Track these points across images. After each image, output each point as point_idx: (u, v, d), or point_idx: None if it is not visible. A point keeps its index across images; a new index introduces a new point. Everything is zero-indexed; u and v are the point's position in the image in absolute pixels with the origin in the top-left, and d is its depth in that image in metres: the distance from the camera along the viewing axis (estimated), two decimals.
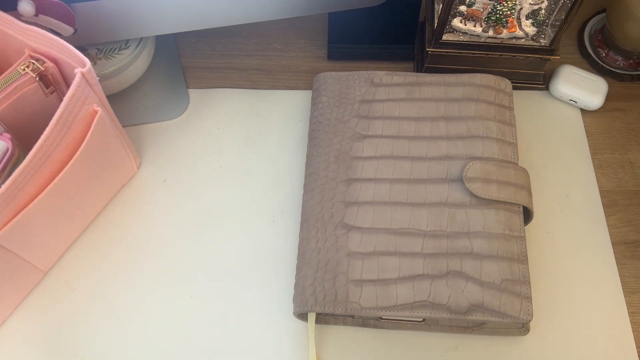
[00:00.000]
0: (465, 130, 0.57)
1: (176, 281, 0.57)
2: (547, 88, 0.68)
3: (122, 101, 0.66)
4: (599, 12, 0.73)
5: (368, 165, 0.55)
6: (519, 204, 0.53)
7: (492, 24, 0.62)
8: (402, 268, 0.50)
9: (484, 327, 0.53)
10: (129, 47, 0.62)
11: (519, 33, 0.62)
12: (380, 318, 0.53)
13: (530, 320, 0.49)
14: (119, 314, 0.56)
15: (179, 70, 0.69)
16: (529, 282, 0.50)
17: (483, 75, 0.60)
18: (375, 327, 0.54)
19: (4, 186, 0.45)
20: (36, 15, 0.52)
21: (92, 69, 0.48)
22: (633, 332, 0.55)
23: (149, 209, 0.61)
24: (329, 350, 0.54)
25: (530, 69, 0.66)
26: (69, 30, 0.55)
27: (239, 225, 0.60)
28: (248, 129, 0.66)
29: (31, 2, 0.51)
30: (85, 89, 0.48)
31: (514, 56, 0.64)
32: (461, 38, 0.63)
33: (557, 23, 0.61)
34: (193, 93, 0.68)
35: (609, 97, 0.66)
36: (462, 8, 0.61)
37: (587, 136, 0.65)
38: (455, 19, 0.62)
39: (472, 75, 0.60)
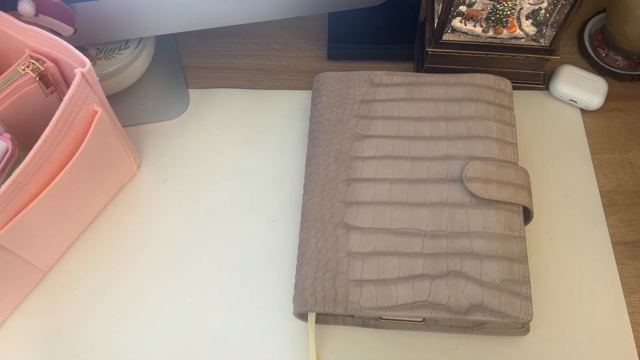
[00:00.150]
0: (465, 130, 0.57)
1: (176, 281, 0.57)
2: (547, 88, 0.68)
3: (122, 101, 0.66)
4: (599, 12, 0.73)
5: (368, 165, 0.55)
6: (519, 204, 0.53)
7: (492, 24, 0.62)
8: (402, 268, 0.50)
9: (484, 327, 0.53)
10: (129, 47, 0.62)
11: (519, 33, 0.62)
12: (380, 318, 0.53)
13: (530, 320, 0.49)
14: (119, 314, 0.56)
15: (179, 70, 0.69)
16: (529, 282, 0.50)
17: (483, 75, 0.60)
18: (375, 327, 0.54)
19: (4, 186, 0.45)
20: (36, 15, 0.52)
21: (92, 69, 0.48)
22: (633, 332, 0.55)
23: (149, 209, 0.61)
24: (329, 350, 0.54)
25: (530, 69, 0.66)
26: (69, 30, 0.55)
27: (239, 225, 0.60)
28: (248, 129, 0.66)
29: (31, 2, 0.51)
30: (85, 89, 0.48)
31: (514, 56, 0.64)
32: (461, 38, 0.63)
33: (557, 23, 0.61)
34: (193, 93, 0.68)
35: (609, 97, 0.67)
36: (462, 8, 0.61)
37: (587, 136, 0.65)
38: (455, 19, 0.62)
39: (472, 75, 0.60)
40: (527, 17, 0.62)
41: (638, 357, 0.54)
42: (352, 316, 0.54)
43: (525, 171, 0.55)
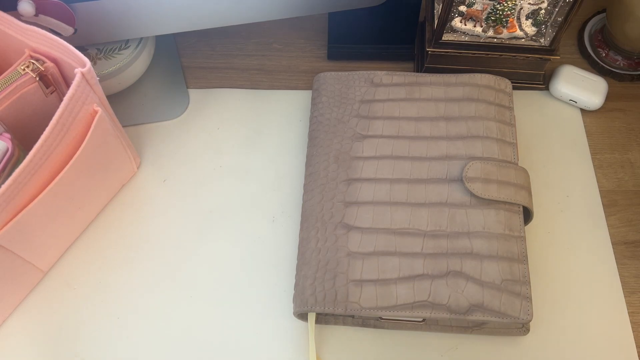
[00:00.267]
0: (465, 130, 0.57)
1: (176, 281, 0.57)
2: (547, 88, 0.68)
3: (122, 101, 0.66)
4: (599, 12, 0.73)
5: (368, 165, 0.55)
6: (519, 204, 0.53)
7: (492, 24, 0.62)
8: (402, 268, 0.50)
9: (484, 327, 0.53)
10: (129, 47, 0.62)
11: (519, 33, 0.62)
12: (380, 318, 0.53)
13: (530, 320, 0.49)
14: (119, 314, 0.56)
15: (179, 70, 0.69)
16: (529, 282, 0.50)
17: (483, 75, 0.60)
18: (375, 327, 0.54)
19: (4, 186, 0.45)
20: (36, 15, 0.52)
21: (92, 69, 0.48)
22: (633, 332, 0.55)
23: (149, 209, 0.61)
24: (329, 350, 0.54)
25: (530, 69, 0.66)
26: (69, 30, 0.55)
27: (239, 225, 0.60)
28: (248, 129, 0.66)
29: (31, 2, 0.51)
30: (85, 89, 0.48)
31: (514, 56, 0.64)
32: (461, 38, 0.63)
33: (557, 23, 0.61)
34: (193, 93, 0.68)
35: (609, 97, 0.67)
36: (462, 8, 0.61)
37: (587, 136, 0.65)
38: (455, 19, 0.62)
39: (472, 75, 0.60)
40: (527, 17, 0.62)
41: (638, 357, 0.54)
42: (352, 316, 0.54)
43: (525, 171, 0.55)
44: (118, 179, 0.61)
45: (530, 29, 0.62)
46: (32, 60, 0.49)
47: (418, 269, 0.50)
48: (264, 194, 0.62)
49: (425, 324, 0.53)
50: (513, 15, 0.61)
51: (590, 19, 0.73)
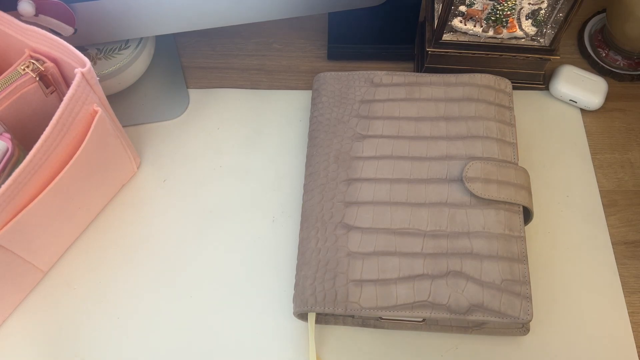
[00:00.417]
0: (465, 130, 0.57)
1: (176, 281, 0.57)
2: (547, 88, 0.68)
3: (122, 101, 0.66)
4: (599, 12, 0.73)
5: (368, 165, 0.55)
6: (519, 204, 0.53)
7: (492, 24, 0.62)
8: (402, 268, 0.50)
9: (484, 327, 0.53)
10: (129, 47, 0.62)
11: (519, 33, 0.62)
12: (380, 318, 0.53)
13: (530, 320, 0.49)
14: (119, 314, 0.56)
15: (179, 70, 0.69)
16: (529, 282, 0.50)
17: (483, 75, 0.60)
18: (375, 327, 0.54)
19: (4, 186, 0.45)
20: (36, 15, 0.52)
21: (92, 69, 0.48)
22: (633, 332, 0.55)
23: (149, 209, 0.61)
24: (329, 350, 0.54)
25: (530, 69, 0.66)
26: (69, 30, 0.55)
27: (239, 225, 0.60)
28: (248, 129, 0.66)
29: (31, 2, 0.51)
30: (85, 89, 0.48)
31: (514, 56, 0.64)
32: (461, 38, 0.63)
33: (557, 23, 0.61)
34: (193, 93, 0.68)
35: (609, 97, 0.67)
36: (462, 8, 0.61)
37: (587, 136, 0.65)
38: (455, 19, 0.62)
39: (472, 75, 0.60)
40: (527, 17, 0.62)
41: (638, 357, 0.54)
42: (352, 316, 0.54)
43: (525, 171, 0.55)
44: (118, 179, 0.61)
45: (530, 29, 0.62)
46: (32, 60, 0.49)
47: (418, 269, 0.50)
48: (264, 194, 0.62)
49: (425, 324, 0.53)
50: (513, 15, 0.61)
51: (590, 19, 0.73)
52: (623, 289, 0.57)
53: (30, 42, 0.50)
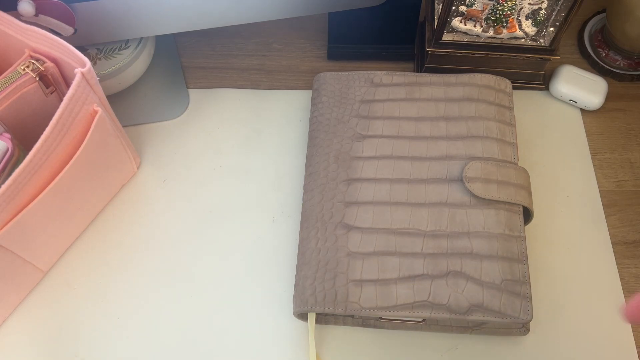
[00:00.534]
0: (465, 130, 0.57)
1: (176, 281, 0.57)
2: (547, 88, 0.68)
3: (122, 101, 0.66)
4: (599, 12, 0.73)
5: (368, 165, 0.55)
6: (519, 204, 0.53)
7: (492, 24, 0.62)
8: (402, 268, 0.50)
9: (484, 327, 0.53)
10: (129, 47, 0.62)
11: (519, 33, 0.62)
12: (380, 318, 0.53)
13: (530, 320, 0.49)
14: (119, 314, 0.56)
15: (179, 70, 0.69)
16: (529, 282, 0.50)
17: (483, 75, 0.60)
18: (375, 327, 0.54)
19: (4, 186, 0.45)
20: (36, 15, 0.52)
21: (92, 69, 0.48)
22: (633, 332, 0.55)
23: (149, 209, 0.61)
24: (329, 350, 0.54)
25: (530, 69, 0.66)
26: (69, 30, 0.55)
27: (239, 225, 0.60)
28: (248, 129, 0.66)
29: (31, 2, 0.51)
30: (85, 89, 0.48)
31: (514, 56, 0.64)
32: (461, 38, 0.63)
33: (557, 23, 0.61)
34: (193, 93, 0.68)
35: (609, 97, 0.66)
36: (462, 8, 0.61)
37: (587, 136, 0.65)
38: (455, 19, 0.62)
39: (472, 75, 0.60)
40: (527, 17, 0.62)
41: (638, 357, 0.54)
42: (352, 316, 0.54)
43: (525, 171, 0.55)
44: (118, 179, 0.61)
45: (530, 29, 0.62)
46: (32, 60, 0.49)
47: (418, 269, 0.50)
48: (264, 194, 0.62)
49: (425, 324, 0.53)
50: (513, 15, 0.61)
51: (590, 19, 0.73)
52: (623, 289, 0.57)
53: (30, 42, 0.50)
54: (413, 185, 0.54)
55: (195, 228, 0.60)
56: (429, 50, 0.64)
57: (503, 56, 0.64)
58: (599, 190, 0.62)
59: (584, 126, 0.66)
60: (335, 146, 0.57)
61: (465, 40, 0.63)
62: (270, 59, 0.71)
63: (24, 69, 0.49)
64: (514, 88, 0.67)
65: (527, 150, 0.64)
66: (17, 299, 0.55)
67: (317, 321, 0.54)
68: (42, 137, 0.46)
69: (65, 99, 0.47)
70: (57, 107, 0.47)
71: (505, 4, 0.60)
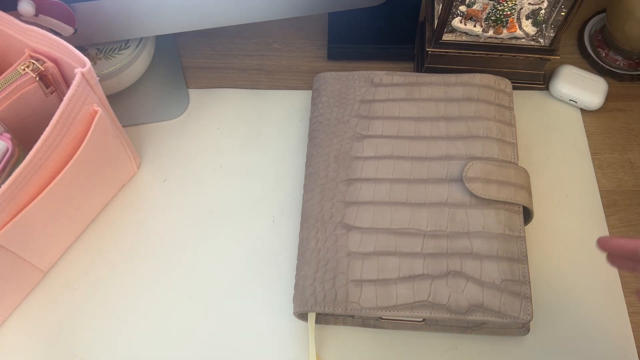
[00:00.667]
0: (465, 130, 0.57)
1: (176, 281, 0.57)
2: (547, 88, 0.68)
3: (122, 101, 0.66)
4: (599, 12, 0.73)
5: (368, 165, 0.55)
6: (519, 204, 0.53)
7: (492, 24, 0.62)
8: (402, 268, 0.50)
9: (484, 327, 0.53)
10: (129, 47, 0.62)
11: (519, 33, 0.62)
12: (380, 318, 0.53)
13: (530, 320, 0.49)
14: (119, 314, 0.56)
15: (179, 70, 0.69)
16: (529, 282, 0.50)
17: (483, 75, 0.60)
18: (375, 327, 0.54)
19: (4, 186, 0.45)
20: (36, 15, 0.52)
21: (92, 69, 0.48)
22: (633, 332, 0.55)
23: (149, 209, 0.61)
24: (329, 350, 0.54)
25: (530, 69, 0.66)
26: (69, 30, 0.55)
27: (239, 225, 0.60)
28: (248, 129, 0.66)
29: (31, 2, 0.51)
30: (85, 89, 0.48)
31: (514, 56, 0.64)
32: (461, 38, 0.63)
33: (557, 23, 0.61)
34: (193, 93, 0.68)
35: (609, 97, 0.66)
36: (462, 8, 0.61)
37: (587, 136, 0.65)
38: (455, 19, 0.62)
39: (472, 75, 0.60)
40: (527, 17, 0.62)
41: (638, 357, 0.54)
42: (352, 316, 0.54)
43: (525, 171, 0.55)
44: (118, 179, 0.61)
45: (530, 29, 0.62)
46: (32, 60, 0.49)
47: (418, 269, 0.50)
48: (264, 194, 0.62)
49: (425, 324, 0.53)
50: (513, 15, 0.61)
51: (590, 19, 0.73)
52: (623, 289, 0.57)
53: (30, 42, 0.50)
54: (413, 185, 0.54)
55: (195, 228, 0.60)
56: (429, 50, 0.64)
57: (503, 56, 0.64)
58: (599, 190, 0.62)
59: (584, 126, 0.66)
60: (335, 146, 0.57)
61: (465, 40, 0.63)
62: (270, 59, 0.71)
63: (24, 69, 0.49)
64: (514, 88, 0.67)
65: (527, 150, 0.64)
66: (17, 299, 0.55)
67: (317, 321, 0.54)
68: (42, 137, 0.46)
69: (65, 99, 0.47)
70: (57, 107, 0.47)
71: (505, 4, 0.60)
